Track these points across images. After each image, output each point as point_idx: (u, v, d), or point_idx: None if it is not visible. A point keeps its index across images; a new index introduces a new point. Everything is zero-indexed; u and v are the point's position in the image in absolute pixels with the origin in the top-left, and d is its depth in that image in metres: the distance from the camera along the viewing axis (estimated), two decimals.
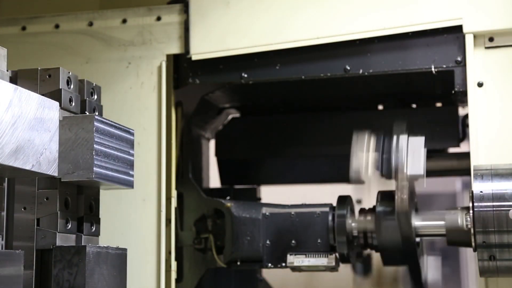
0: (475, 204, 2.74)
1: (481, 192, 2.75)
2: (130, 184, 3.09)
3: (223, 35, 3.85)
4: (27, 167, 2.41)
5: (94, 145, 2.80)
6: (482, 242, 2.70)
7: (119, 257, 2.96)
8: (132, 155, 3.10)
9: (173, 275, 3.75)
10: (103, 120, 2.87)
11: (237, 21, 3.83)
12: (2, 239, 2.60)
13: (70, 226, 2.90)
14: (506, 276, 2.86)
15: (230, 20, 3.83)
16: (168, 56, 3.89)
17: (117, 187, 3.02)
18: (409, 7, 3.78)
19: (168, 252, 3.75)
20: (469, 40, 3.61)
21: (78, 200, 2.99)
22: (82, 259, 2.73)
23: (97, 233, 3.07)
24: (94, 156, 2.79)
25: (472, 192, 2.76)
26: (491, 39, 3.61)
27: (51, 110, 2.56)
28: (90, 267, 2.76)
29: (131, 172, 3.09)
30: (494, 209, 2.71)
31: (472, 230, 2.76)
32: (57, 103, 2.62)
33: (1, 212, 2.58)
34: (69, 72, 2.95)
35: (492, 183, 2.79)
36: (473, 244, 2.77)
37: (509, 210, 2.68)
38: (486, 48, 3.62)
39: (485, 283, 3.12)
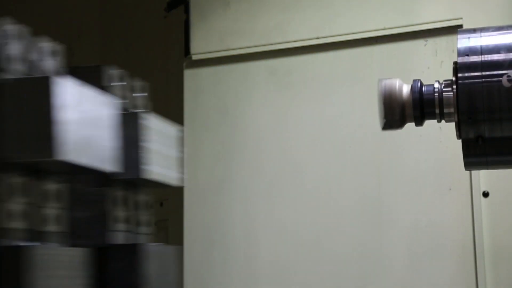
0: (459, 75, 2.24)
1: (467, 57, 2.25)
2: (179, 182, 3.02)
3: (222, 35, 3.85)
4: (90, 164, 2.34)
5: (145, 143, 2.71)
6: (468, 118, 2.22)
7: (172, 254, 2.90)
8: (180, 152, 3.03)
9: None
10: (153, 117, 2.80)
11: (237, 22, 3.83)
12: (68, 237, 2.55)
13: (125, 224, 2.81)
14: (497, 166, 2.44)
15: (230, 20, 3.83)
16: None
17: (168, 184, 2.97)
18: (409, 7, 3.78)
19: None
20: None
21: (133, 198, 2.90)
22: (140, 257, 2.64)
23: (150, 231, 2.99)
24: (145, 154, 2.70)
25: (456, 62, 2.26)
26: None
27: (109, 107, 2.50)
28: (148, 265, 2.67)
29: (179, 170, 3.01)
30: (483, 79, 2.23)
31: (454, 107, 2.25)
32: (114, 100, 2.56)
33: (64, 211, 2.52)
34: (116, 69, 2.88)
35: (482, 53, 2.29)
36: (455, 124, 2.25)
37: (500, 79, 2.20)
38: None
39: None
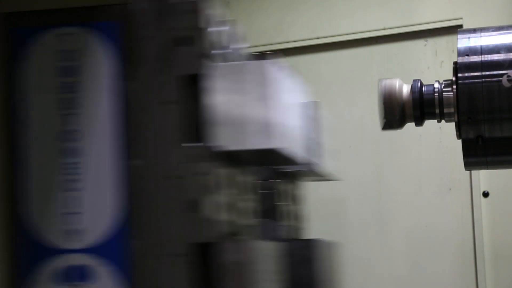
0: (459, 75, 2.24)
1: (467, 57, 2.24)
2: (336, 176, 2.97)
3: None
4: (297, 154, 2.26)
5: (323, 136, 2.65)
6: (467, 118, 2.22)
7: (335, 249, 2.88)
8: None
9: None
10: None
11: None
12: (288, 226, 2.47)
13: (290, 218, 2.76)
14: (497, 166, 2.42)
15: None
16: None
17: (329, 178, 2.92)
18: (409, 8, 3.78)
19: None
20: None
21: (293, 191, 2.88)
22: (314, 253, 2.60)
23: (304, 225, 2.97)
24: (322, 147, 2.61)
25: (456, 62, 2.25)
26: None
27: (300, 95, 2.43)
28: (322, 261, 2.63)
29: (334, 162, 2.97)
30: (483, 79, 2.22)
31: (454, 107, 2.25)
32: (307, 90, 2.46)
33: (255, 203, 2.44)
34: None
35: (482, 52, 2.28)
36: (455, 124, 2.24)
37: (500, 79, 2.19)
38: None
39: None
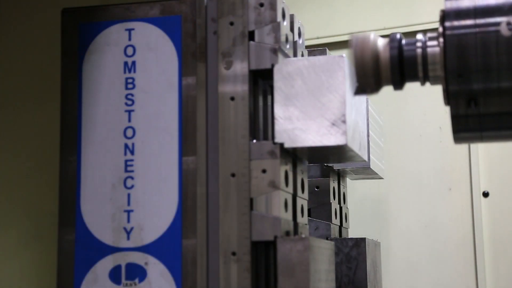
0: (447, 24, 1.75)
1: (457, 3, 1.76)
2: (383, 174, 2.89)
3: None
4: (358, 151, 2.17)
5: (370, 131, 2.53)
6: (457, 77, 1.73)
7: (379, 248, 2.85)
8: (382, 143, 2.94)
9: None
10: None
11: None
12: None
13: (337, 217, 2.69)
14: (493, 137, 1.93)
15: None
16: None
17: (378, 176, 2.86)
18: (409, 8, 3.78)
19: None
20: None
21: (339, 189, 2.84)
22: (362, 252, 2.57)
23: (347, 224, 2.93)
24: (370, 143, 2.51)
25: (444, 10, 1.77)
26: None
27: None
28: (369, 261, 2.60)
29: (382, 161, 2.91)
30: (477, 28, 1.72)
31: (441, 65, 1.78)
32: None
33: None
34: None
35: None
36: (442, 86, 1.79)
37: (498, 28, 1.69)
38: None
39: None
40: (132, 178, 2.15)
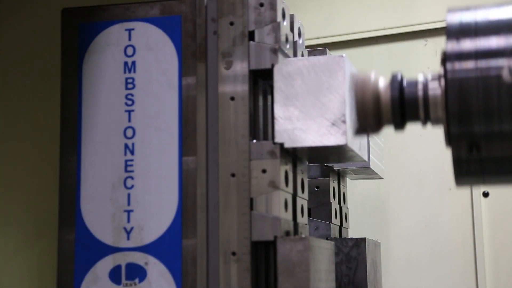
0: (448, 66, 1.69)
1: (457, 42, 1.70)
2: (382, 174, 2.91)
3: None
4: (358, 151, 2.15)
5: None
6: (458, 122, 1.70)
7: (379, 249, 2.85)
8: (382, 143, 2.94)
9: None
10: None
11: None
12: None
13: (337, 217, 2.70)
14: (495, 181, 1.90)
15: None
16: None
17: (378, 176, 2.86)
18: (409, 7, 3.78)
19: None
20: None
21: (339, 189, 2.84)
22: (362, 252, 2.56)
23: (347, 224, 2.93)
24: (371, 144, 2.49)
25: (445, 51, 1.72)
26: None
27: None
28: (369, 261, 2.59)
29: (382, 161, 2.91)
30: (478, 72, 1.67)
31: (442, 108, 1.76)
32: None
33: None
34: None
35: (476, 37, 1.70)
36: (444, 129, 1.78)
37: (500, 72, 1.66)
38: None
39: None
40: (132, 178, 2.15)
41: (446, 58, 1.71)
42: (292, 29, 2.25)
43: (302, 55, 2.34)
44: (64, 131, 2.22)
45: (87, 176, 2.18)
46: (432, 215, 3.73)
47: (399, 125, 1.91)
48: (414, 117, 1.87)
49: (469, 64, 1.69)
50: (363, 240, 2.58)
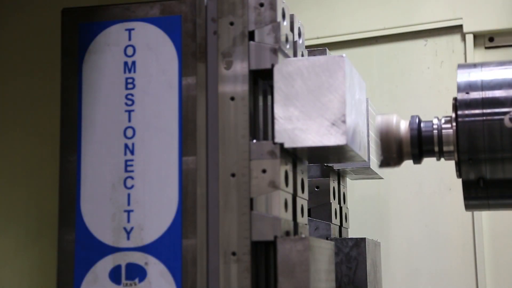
0: (459, 112, 2.14)
1: (467, 94, 2.15)
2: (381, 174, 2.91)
3: None
4: (358, 151, 2.16)
5: (370, 131, 2.50)
6: (468, 159, 2.11)
7: (379, 249, 2.86)
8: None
9: None
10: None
11: None
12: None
13: (337, 217, 2.71)
14: (499, 207, 2.31)
15: None
16: None
17: (378, 176, 2.88)
18: (409, 7, 3.78)
19: None
20: (469, 40, 3.62)
21: (339, 189, 2.85)
22: (362, 252, 2.57)
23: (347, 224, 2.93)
24: (369, 144, 2.48)
25: (455, 98, 2.18)
26: (491, 39, 3.62)
27: (363, 90, 2.30)
28: (369, 261, 2.60)
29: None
30: (484, 117, 2.12)
31: (454, 146, 2.19)
32: (362, 85, 2.31)
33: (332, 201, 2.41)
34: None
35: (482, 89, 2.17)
36: (455, 163, 2.18)
37: (502, 118, 2.12)
38: (486, 48, 3.62)
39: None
40: (132, 178, 2.14)
41: (457, 105, 2.14)
42: (292, 29, 2.25)
43: (302, 55, 2.34)
44: (64, 131, 2.22)
45: (87, 176, 2.18)
46: (432, 215, 3.73)
47: (417, 158, 2.32)
48: (430, 152, 2.29)
49: (476, 111, 2.12)
50: (363, 240, 2.58)
